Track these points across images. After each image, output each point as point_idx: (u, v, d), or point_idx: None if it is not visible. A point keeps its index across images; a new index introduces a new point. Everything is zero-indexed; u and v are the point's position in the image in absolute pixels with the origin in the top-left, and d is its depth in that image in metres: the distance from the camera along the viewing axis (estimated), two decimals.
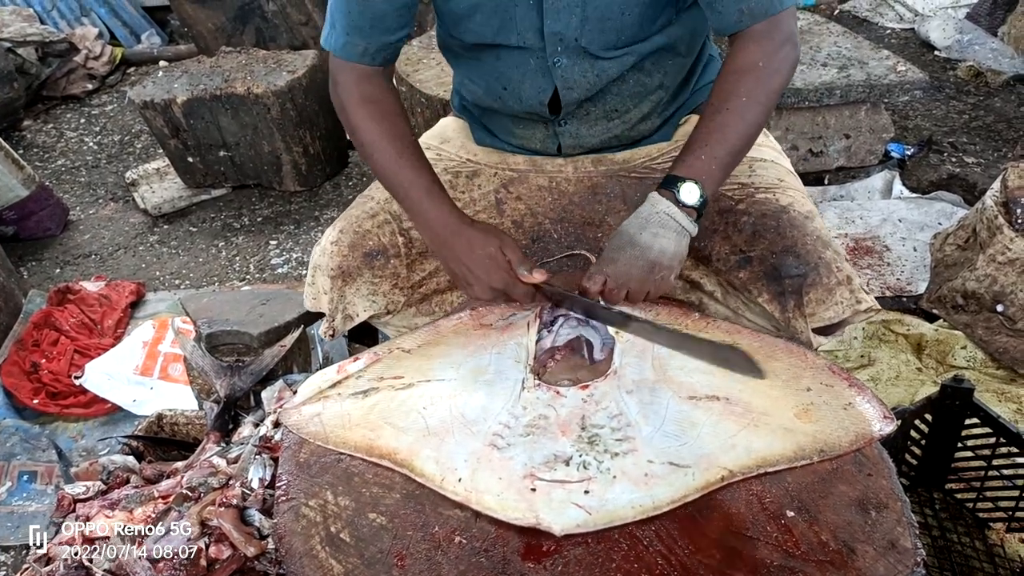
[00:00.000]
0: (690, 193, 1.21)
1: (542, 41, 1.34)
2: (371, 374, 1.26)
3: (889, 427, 1.08)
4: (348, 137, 1.43)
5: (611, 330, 1.27)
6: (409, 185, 1.33)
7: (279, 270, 3.26)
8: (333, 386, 1.25)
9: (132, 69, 5.44)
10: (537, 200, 1.54)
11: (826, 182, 3.25)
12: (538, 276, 1.27)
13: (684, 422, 1.10)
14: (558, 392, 1.18)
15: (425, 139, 1.68)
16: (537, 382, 1.20)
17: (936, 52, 4.30)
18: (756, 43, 1.25)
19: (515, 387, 1.19)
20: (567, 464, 1.06)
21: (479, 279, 1.29)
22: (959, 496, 1.76)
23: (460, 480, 1.05)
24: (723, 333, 1.28)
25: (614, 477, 1.03)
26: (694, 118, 1.55)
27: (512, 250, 1.29)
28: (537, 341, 1.28)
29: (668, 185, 1.23)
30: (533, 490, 1.02)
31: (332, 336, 1.48)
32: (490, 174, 1.57)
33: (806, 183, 1.53)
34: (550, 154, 1.56)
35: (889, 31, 4.67)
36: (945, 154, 3.41)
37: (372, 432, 1.14)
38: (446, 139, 1.65)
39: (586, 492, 1.02)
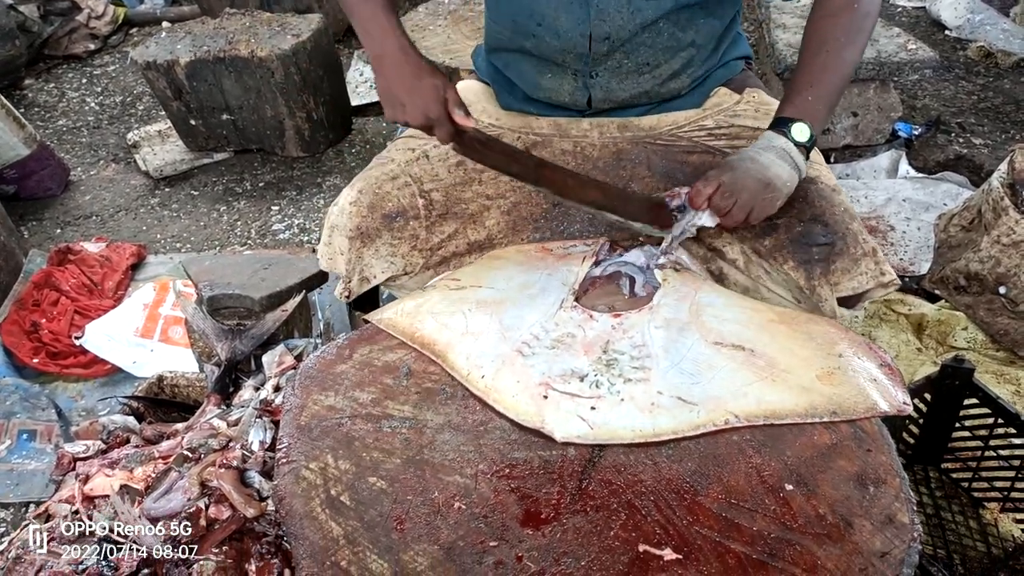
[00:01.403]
0: (801, 132, 1.28)
1: None
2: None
3: (908, 408, 1.09)
4: None
5: (658, 275, 1.31)
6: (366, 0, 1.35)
7: (280, 236, 3.25)
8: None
9: (135, 29, 5.38)
10: (560, 164, 1.53)
11: (832, 160, 3.23)
12: (469, 121, 1.31)
13: (703, 363, 1.13)
14: (591, 316, 1.24)
15: None
16: (575, 304, 1.27)
17: (947, 31, 4.25)
18: None
19: (554, 305, 1.27)
20: (581, 380, 1.12)
21: (415, 104, 1.30)
22: (955, 475, 1.77)
23: (483, 377, 1.14)
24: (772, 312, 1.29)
25: (622, 400, 1.09)
26: (724, 90, 1.57)
27: (453, 91, 1.32)
28: (588, 274, 1.34)
29: (780, 125, 1.29)
30: (545, 397, 1.10)
31: (348, 297, 1.48)
32: (513, 138, 1.57)
33: None
34: (578, 109, 1.56)
35: (900, 9, 4.62)
36: (952, 135, 3.39)
37: (419, 323, 1.27)
38: (468, 102, 1.64)
39: (592, 408, 1.08)
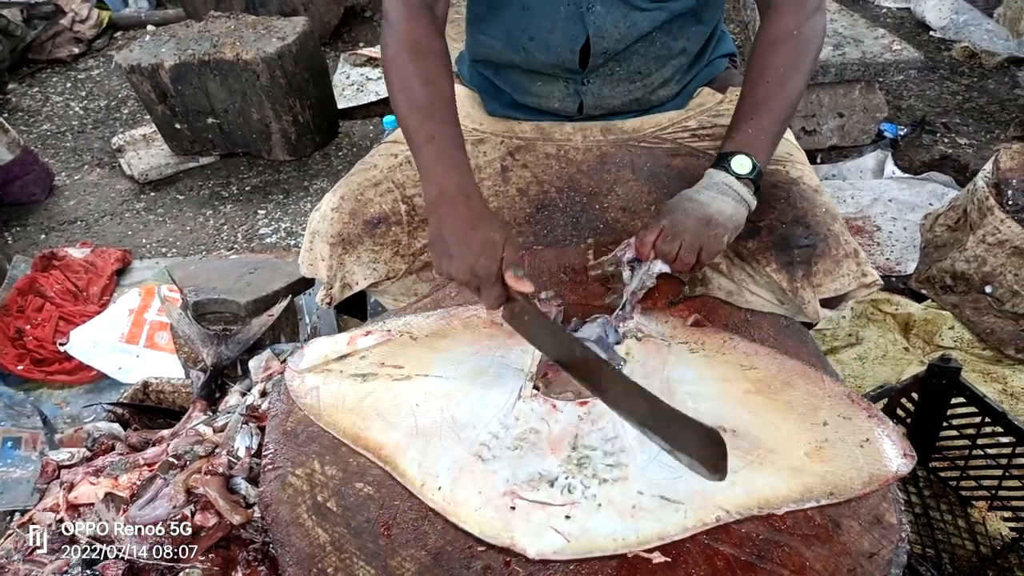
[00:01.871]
0: (741, 165, 1.25)
1: None
2: (374, 357, 1.23)
3: (907, 467, 1.00)
4: (384, 78, 1.34)
5: (620, 350, 1.21)
6: (435, 136, 1.22)
7: (267, 240, 3.23)
8: (339, 359, 1.24)
9: (119, 33, 5.35)
10: (544, 168, 1.53)
11: (818, 161, 3.24)
12: (525, 285, 1.13)
13: None
14: (554, 406, 1.12)
15: None
16: (535, 393, 1.14)
17: (931, 32, 4.28)
18: (788, 12, 1.30)
19: (511, 395, 1.14)
20: (551, 485, 1.01)
21: (464, 256, 1.13)
22: (943, 474, 1.78)
23: (440, 488, 1.02)
24: (741, 355, 1.20)
25: (599, 505, 0.98)
26: (706, 90, 1.57)
27: (512, 249, 1.16)
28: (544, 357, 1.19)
29: (720, 162, 1.27)
30: (513, 508, 0.98)
31: (330, 304, 1.47)
32: (496, 142, 1.56)
33: None
34: (567, 115, 1.55)
35: (885, 10, 4.64)
36: (938, 135, 3.41)
37: (362, 421, 1.12)
38: None
39: (567, 517, 0.97)
